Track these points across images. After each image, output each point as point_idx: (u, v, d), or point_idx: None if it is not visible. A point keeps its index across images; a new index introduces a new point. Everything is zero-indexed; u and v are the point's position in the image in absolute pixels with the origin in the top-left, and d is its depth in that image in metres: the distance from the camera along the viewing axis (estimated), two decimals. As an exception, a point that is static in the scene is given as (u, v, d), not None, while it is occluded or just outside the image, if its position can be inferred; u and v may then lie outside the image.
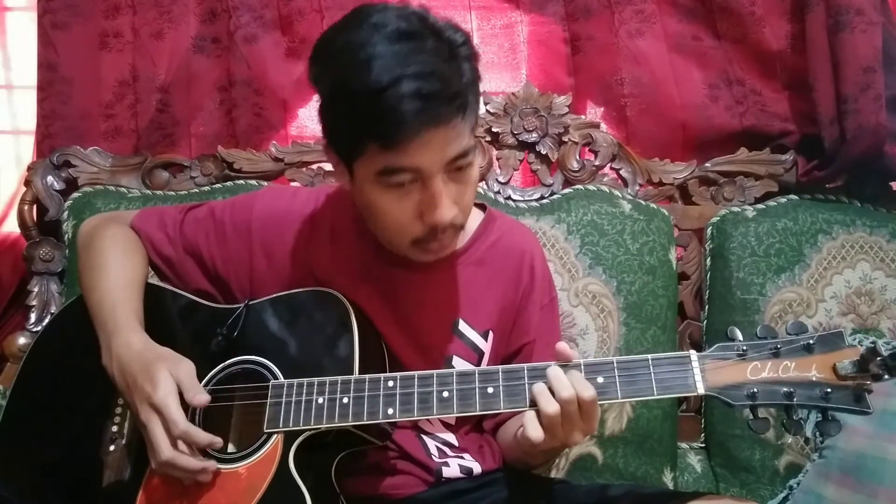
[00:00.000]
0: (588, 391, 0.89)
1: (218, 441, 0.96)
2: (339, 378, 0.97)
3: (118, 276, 1.10)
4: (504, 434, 1.17)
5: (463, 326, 1.14)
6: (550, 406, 0.89)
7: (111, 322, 1.04)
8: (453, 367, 1.12)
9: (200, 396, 0.96)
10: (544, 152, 1.62)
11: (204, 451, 0.96)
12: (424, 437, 1.13)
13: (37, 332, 1.56)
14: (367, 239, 1.13)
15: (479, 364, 1.14)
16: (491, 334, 1.15)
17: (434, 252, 1.02)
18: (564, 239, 1.52)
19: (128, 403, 1.00)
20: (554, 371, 0.91)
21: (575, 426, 0.91)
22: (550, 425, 0.90)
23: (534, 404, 0.91)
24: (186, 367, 0.99)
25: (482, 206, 1.22)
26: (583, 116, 1.65)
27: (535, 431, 0.90)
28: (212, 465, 0.95)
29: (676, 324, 1.58)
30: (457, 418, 1.14)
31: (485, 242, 1.17)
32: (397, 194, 0.95)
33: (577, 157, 1.62)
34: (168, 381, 0.95)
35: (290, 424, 0.96)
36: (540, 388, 0.91)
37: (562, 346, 0.93)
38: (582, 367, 0.92)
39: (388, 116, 0.87)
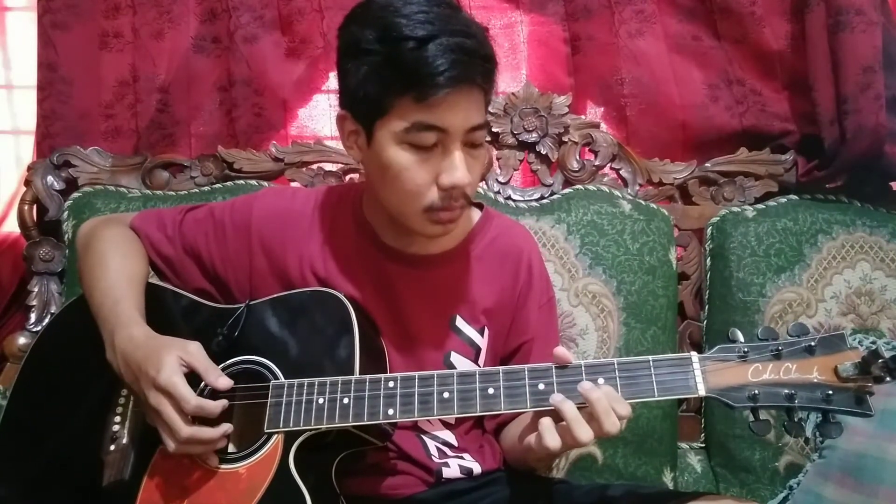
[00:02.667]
0: (626, 409, 0.90)
1: (224, 403, 0.97)
2: (340, 378, 0.97)
3: (119, 273, 1.10)
4: (507, 435, 1.17)
5: (460, 322, 1.14)
6: (585, 435, 0.89)
7: (113, 317, 1.04)
8: (451, 363, 1.12)
9: (223, 380, 0.98)
10: (544, 152, 1.62)
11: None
12: (424, 437, 1.13)
13: (37, 332, 1.56)
14: (367, 233, 1.14)
15: (476, 360, 1.15)
16: (487, 331, 1.16)
17: (443, 223, 1.03)
18: (564, 239, 1.52)
19: (135, 394, 1.00)
20: (595, 395, 0.90)
21: (597, 436, 0.91)
22: (575, 443, 0.90)
23: (553, 414, 0.91)
24: (196, 349, 0.99)
25: (479, 206, 1.22)
26: (583, 116, 1.65)
27: (553, 441, 0.90)
28: (228, 426, 0.97)
29: (676, 324, 1.58)
30: (456, 418, 1.14)
31: (483, 240, 1.18)
32: (418, 156, 0.97)
33: (577, 157, 1.62)
34: (172, 363, 0.96)
35: (291, 425, 0.96)
36: (574, 416, 0.90)
37: (560, 350, 0.95)
38: (583, 368, 0.93)
39: (427, 65, 0.91)
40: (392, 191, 1.02)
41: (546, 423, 0.92)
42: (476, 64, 0.95)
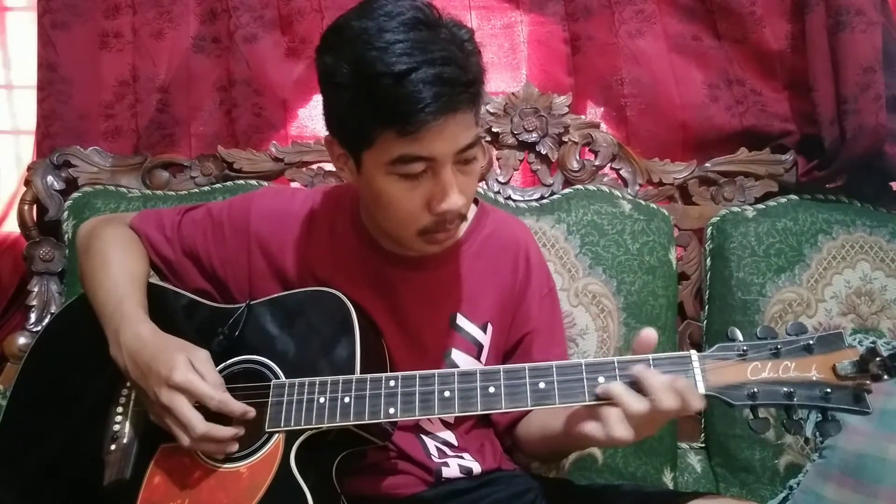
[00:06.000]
0: (698, 403, 0.86)
1: (252, 411, 0.97)
2: (341, 377, 0.97)
3: (121, 271, 1.10)
4: (532, 423, 1.14)
5: (461, 320, 1.14)
6: (638, 406, 0.86)
7: (118, 315, 1.04)
8: (453, 361, 1.12)
9: (226, 398, 0.97)
10: (544, 152, 1.62)
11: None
12: (424, 437, 1.13)
13: (37, 332, 1.56)
14: (365, 237, 1.14)
15: (478, 357, 1.14)
16: (490, 327, 1.15)
17: (439, 242, 1.03)
18: (564, 239, 1.52)
19: (141, 391, 1.00)
20: (659, 381, 0.86)
21: (654, 427, 0.89)
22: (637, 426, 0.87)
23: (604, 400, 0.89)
24: (202, 356, 0.99)
25: (474, 201, 1.22)
26: (583, 116, 1.65)
27: (626, 432, 0.86)
28: (240, 428, 0.97)
29: (676, 324, 1.58)
30: (457, 417, 1.15)
31: (480, 235, 1.18)
32: (408, 184, 0.96)
33: (577, 157, 1.63)
34: (185, 363, 0.96)
35: (292, 424, 0.96)
36: (620, 390, 0.87)
37: (647, 332, 0.91)
38: (583, 367, 0.92)
39: (408, 101, 0.88)
40: (385, 216, 1.03)
41: (616, 413, 0.86)
42: (459, 93, 0.91)
